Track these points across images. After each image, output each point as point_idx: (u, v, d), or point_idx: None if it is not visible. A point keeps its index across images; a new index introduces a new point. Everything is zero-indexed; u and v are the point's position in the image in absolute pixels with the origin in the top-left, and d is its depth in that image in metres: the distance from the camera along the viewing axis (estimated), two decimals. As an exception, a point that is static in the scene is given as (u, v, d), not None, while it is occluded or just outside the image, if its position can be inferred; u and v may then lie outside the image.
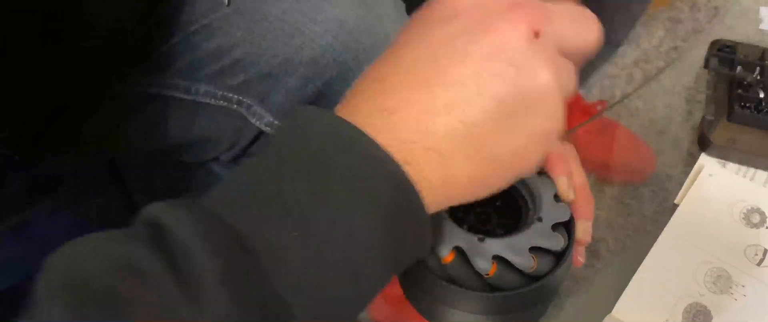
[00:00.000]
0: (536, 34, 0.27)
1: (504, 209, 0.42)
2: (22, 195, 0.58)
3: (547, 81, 0.27)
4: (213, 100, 0.53)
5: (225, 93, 0.53)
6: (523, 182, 0.41)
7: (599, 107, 1.24)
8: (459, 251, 0.37)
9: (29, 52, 0.45)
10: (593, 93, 1.30)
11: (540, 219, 0.39)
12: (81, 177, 0.67)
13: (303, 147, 0.27)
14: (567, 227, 0.41)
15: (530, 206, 0.41)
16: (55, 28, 0.45)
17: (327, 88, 0.51)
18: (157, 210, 0.26)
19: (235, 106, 0.53)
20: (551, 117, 0.28)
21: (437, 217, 0.37)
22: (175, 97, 0.54)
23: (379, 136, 0.26)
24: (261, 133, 0.55)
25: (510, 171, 0.29)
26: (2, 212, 0.59)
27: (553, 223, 0.39)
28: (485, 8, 0.27)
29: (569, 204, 0.41)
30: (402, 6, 0.54)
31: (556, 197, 0.40)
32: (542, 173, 0.42)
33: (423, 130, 0.26)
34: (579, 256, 0.43)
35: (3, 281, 0.66)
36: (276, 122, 0.53)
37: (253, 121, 0.53)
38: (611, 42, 0.97)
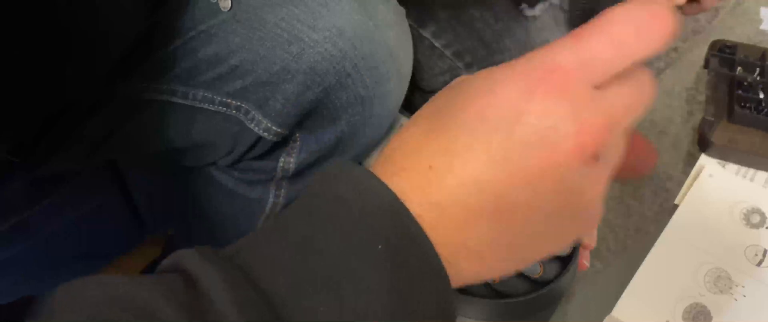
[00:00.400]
0: (596, 157, 0.27)
1: None
2: (22, 195, 0.58)
3: (593, 199, 0.28)
4: (211, 105, 0.53)
5: (223, 99, 0.53)
6: None
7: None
8: None
9: (26, 56, 0.45)
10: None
11: None
12: (81, 177, 0.67)
13: (345, 215, 0.26)
14: None
15: None
16: (54, 32, 0.45)
17: (325, 96, 0.50)
18: (190, 263, 0.25)
19: (234, 111, 0.53)
20: (589, 224, 0.29)
21: None
22: (172, 102, 0.54)
23: (428, 232, 0.26)
24: (259, 139, 0.54)
25: (533, 261, 0.30)
26: (3, 213, 0.58)
27: None
28: (551, 121, 0.26)
29: None
30: (402, 12, 0.54)
31: None
32: None
33: (468, 234, 0.26)
34: (584, 259, 0.43)
35: (4, 281, 0.66)
36: (274, 128, 0.53)
37: (251, 126, 0.53)
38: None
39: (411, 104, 0.59)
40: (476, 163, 0.26)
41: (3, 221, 0.59)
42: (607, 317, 0.54)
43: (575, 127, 0.26)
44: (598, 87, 0.27)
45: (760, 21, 0.85)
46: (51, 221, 0.65)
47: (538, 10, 0.58)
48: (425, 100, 0.70)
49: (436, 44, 0.61)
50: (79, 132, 0.56)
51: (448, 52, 0.61)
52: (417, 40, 0.62)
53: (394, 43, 0.51)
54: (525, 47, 0.59)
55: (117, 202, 0.79)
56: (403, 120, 0.57)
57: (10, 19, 0.42)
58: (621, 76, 0.27)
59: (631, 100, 0.28)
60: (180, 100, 0.53)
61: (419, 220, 0.26)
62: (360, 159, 0.58)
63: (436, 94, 0.29)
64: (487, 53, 0.59)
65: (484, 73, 0.28)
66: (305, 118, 0.53)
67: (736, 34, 0.83)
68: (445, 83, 0.63)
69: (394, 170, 0.27)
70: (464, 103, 0.27)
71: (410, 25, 0.62)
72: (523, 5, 0.57)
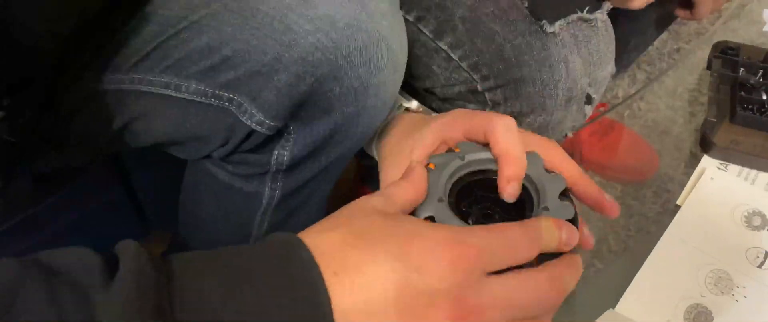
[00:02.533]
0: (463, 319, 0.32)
1: (509, 205, 0.42)
2: (27, 193, 0.58)
3: None
4: (204, 98, 0.53)
5: (215, 91, 0.52)
6: (529, 178, 0.42)
7: (601, 109, 1.24)
8: None
9: None
10: (596, 94, 1.30)
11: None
12: (86, 174, 0.68)
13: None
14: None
15: (535, 202, 0.41)
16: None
17: (318, 87, 0.50)
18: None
19: (226, 104, 0.53)
20: None
21: (442, 211, 0.38)
22: (164, 95, 0.53)
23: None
24: (253, 131, 0.54)
25: None
26: (8, 210, 0.59)
27: None
28: (437, 285, 0.32)
29: (574, 203, 0.41)
30: (396, 2, 0.54)
31: (562, 195, 0.41)
32: (550, 170, 0.42)
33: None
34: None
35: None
36: (267, 121, 0.53)
37: (243, 119, 0.53)
38: (623, 64, 0.98)
39: (426, 104, 0.60)
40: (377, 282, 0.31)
41: (9, 218, 0.59)
42: (607, 311, 0.55)
43: (452, 296, 0.31)
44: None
45: (763, 23, 0.85)
46: (56, 217, 0.66)
47: (557, 26, 0.58)
48: (440, 108, 0.70)
49: (453, 56, 0.61)
50: (70, 127, 0.55)
51: (464, 65, 0.61)
52: (433, 50, 0.62)
53: (387, 33, 0.51)
54: (543, 63, 0.59)
55: (122, 198, 0.79)
56: (402, 101, 0.57)
57: None
58: (522, 272, 0.34)
59: (518, 296, 0.33)
60: (172, 93, 0.53)
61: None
62: (353, 151, 0.58)
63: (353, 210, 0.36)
64: (504, 67, 0.60)
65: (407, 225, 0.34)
66: (299, 109, 0.53)
67: (740, 35, 0.83)
68: (460, 94, 0.63)
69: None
70: (384, 238, 0.33)
71: (427, 36, 0.62)
72: (544, 21, 0.58)
